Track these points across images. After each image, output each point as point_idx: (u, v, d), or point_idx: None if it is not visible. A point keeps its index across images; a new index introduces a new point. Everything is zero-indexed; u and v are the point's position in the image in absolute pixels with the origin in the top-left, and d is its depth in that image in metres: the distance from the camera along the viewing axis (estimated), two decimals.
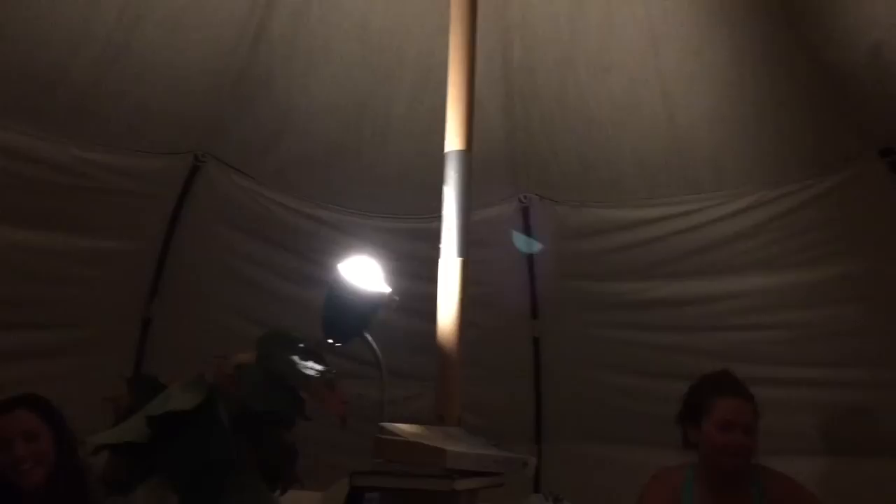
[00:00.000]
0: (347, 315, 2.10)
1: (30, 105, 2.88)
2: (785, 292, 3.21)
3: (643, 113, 3.13)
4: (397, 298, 2.14)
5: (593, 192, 3.40)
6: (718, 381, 2.52)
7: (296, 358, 1.54)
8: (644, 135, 3.18)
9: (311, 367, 1.54)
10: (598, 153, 3.29)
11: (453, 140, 1.99)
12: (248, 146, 3.38)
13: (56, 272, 3.18)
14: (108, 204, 3.21)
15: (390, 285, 2.18)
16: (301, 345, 1.57)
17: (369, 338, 2.13)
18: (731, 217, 3.21)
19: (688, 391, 2.59)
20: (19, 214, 3.02)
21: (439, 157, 2.03)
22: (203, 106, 3.19)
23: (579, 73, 3.12)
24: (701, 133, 3.11)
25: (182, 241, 3.45)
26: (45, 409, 2.37)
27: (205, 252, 3.52)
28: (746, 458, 2.45)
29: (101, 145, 3.08)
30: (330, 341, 2.07)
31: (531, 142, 3.36)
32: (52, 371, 3.17)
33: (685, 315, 3.40)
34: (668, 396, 2.80)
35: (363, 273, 2.15)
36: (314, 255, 3.42)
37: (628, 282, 3.50)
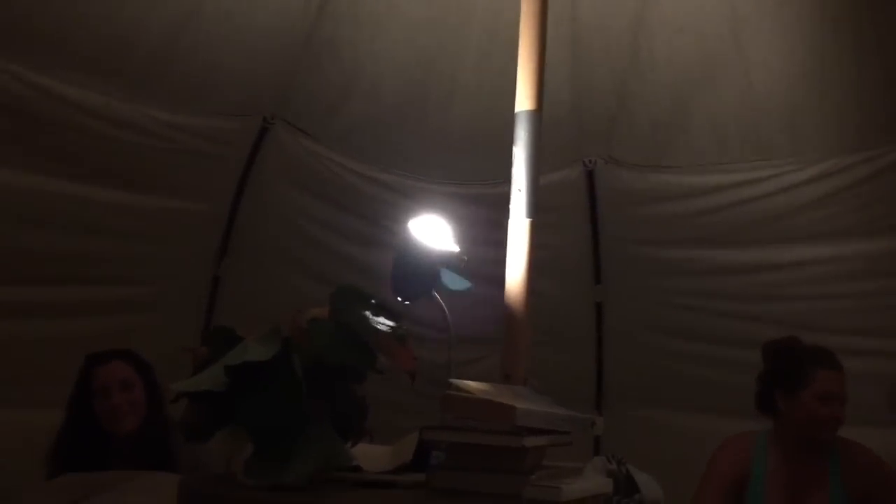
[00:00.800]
0: (416, 274, 2.11)
1: (106, 66, 2.93)
2: (854, 262, 3.15)
3: (717, 74, 3.07)
4: (466, 258, 2.15)
5: (662, 157, 3.36)
6: (818, 352, 2.46)
7: (368, 313, 1.56)
8: (717, 97, 3.12)
9: (383, 323, 1.56)
10: (668, 116, 3.25)
11: (523, 100, 1.97)
12: (316, 108, 3.41)
13: (128, 230, 3.26)
14: (180, 164, 3.27)
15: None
16: (373, 301, 1.59)
17: (438, 297, 2.13)
18: (804, 184, 3.14)
19: (779, 358, 2.50)
20: (93, 173, 3.09)
21: (507, 120, 2.02)
22: (272, 68, 3.23)
23: (652, 34, 3.07)
24: (777, 96, 3.03)
25: (251, 201, 3.51)
26: (138, 362, 2.50)
27: (272, 212, 3.58)
28: (838, 429, 2.42)
29: (173, 106, 3.14)
30: (398, 300, 2.08)
31: (598, 104, 3.32)
32: (128, 325, 3.27)
33: (752, 283, 3.35)
34: (731, 363, 2.77)
35: (432, 232, 2.16)
36: (378, 218, 3.46)
37: (694, 248, 3.45)
